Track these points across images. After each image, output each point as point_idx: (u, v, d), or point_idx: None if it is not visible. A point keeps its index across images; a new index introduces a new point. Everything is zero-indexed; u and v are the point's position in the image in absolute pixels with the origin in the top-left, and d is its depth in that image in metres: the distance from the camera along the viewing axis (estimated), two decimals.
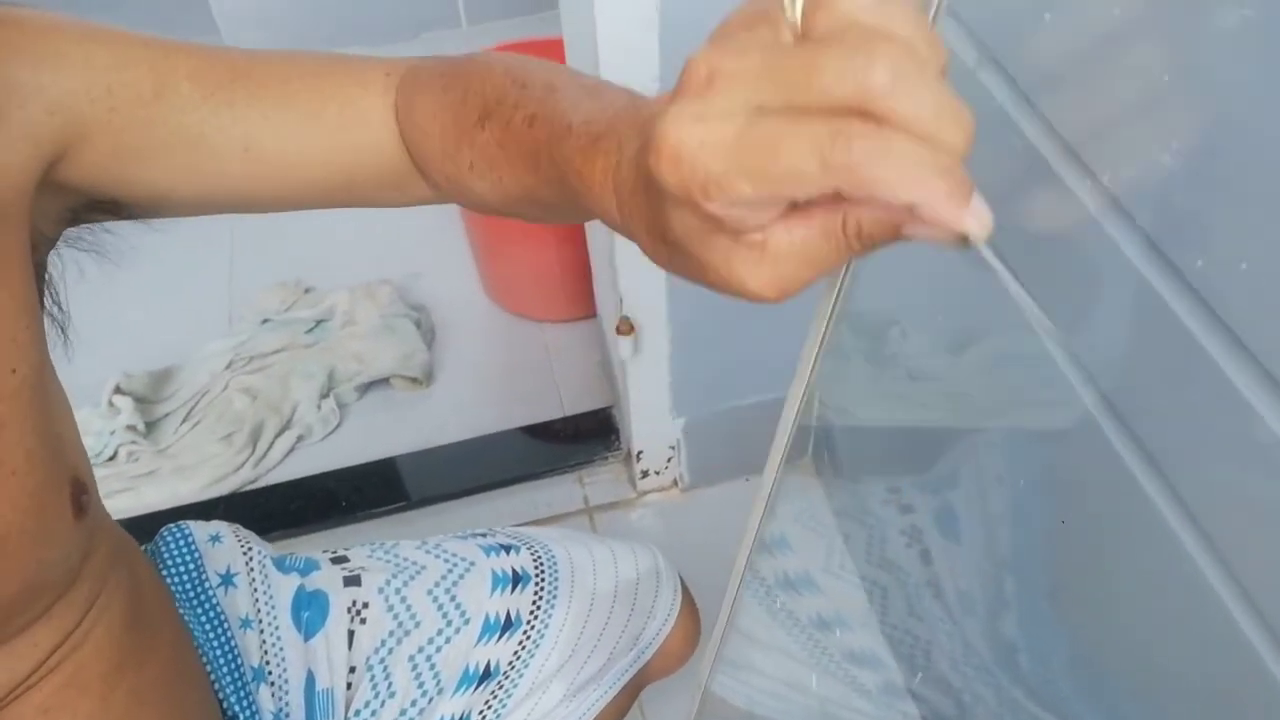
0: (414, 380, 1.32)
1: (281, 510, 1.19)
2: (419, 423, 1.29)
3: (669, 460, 1.18)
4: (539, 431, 1.28)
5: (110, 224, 0.51)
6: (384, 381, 1.33)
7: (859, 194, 0.23)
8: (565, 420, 1.29)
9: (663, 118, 0.25)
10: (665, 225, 0.28)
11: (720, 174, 0.24)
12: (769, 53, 0.24)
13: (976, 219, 0.22)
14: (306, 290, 1.46)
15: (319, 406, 1.27)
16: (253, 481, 1.23)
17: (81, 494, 0.47)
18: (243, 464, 1.22)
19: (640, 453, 1.15)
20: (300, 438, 1.26)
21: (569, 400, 1.31)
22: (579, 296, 1.35)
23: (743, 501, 1.16)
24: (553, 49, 1.35)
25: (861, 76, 0.22)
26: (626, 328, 0.94)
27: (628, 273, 0.91)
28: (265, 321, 1.39)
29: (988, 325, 0.69)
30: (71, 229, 0.50)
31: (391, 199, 0.53)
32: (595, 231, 1.06)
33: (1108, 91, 0.47)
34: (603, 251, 0.97)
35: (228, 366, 1.33)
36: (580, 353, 1.37)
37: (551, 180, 0.39)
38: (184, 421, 1.27)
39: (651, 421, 1.10)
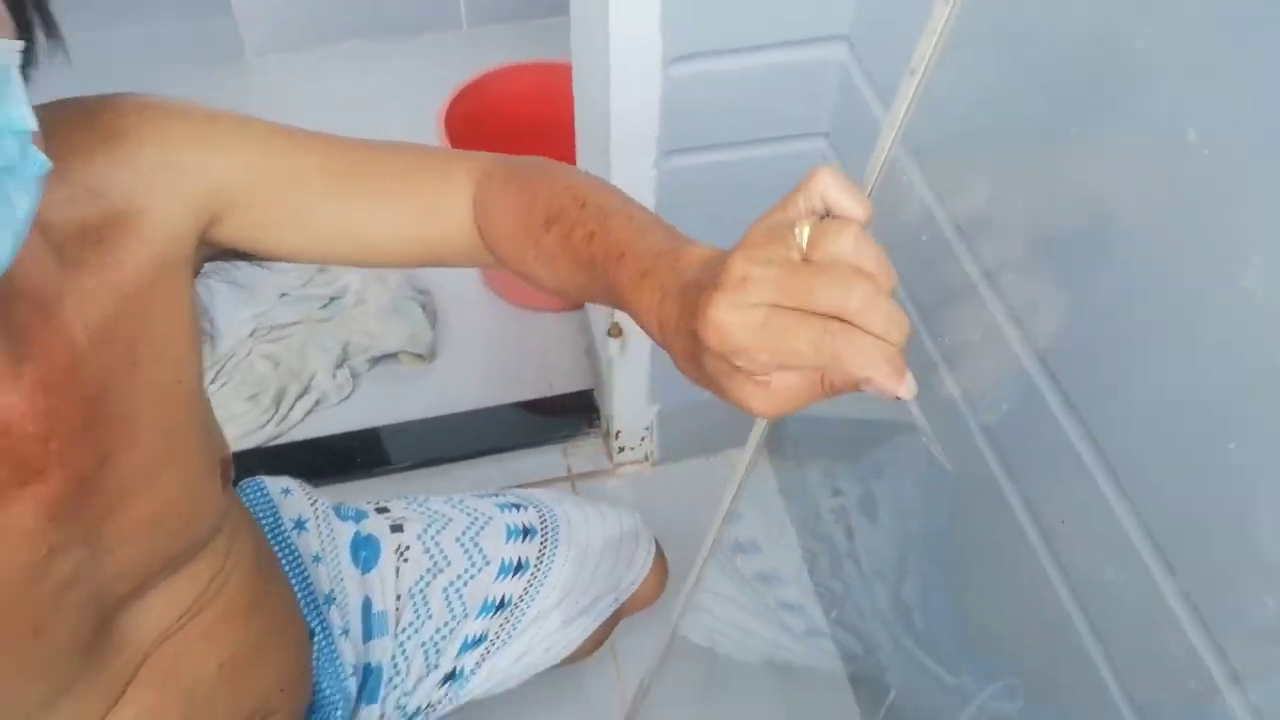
0: (419, 356, 1.48)
1: (302, 464, 1.36)
2: (423, 394, 1.46)
3: (643, 439, 1.36)
4: (529, 407, 1.45)
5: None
6: (392, 356, 1.49)
7: (836, 370, 0.36)
8: (552, 399, 1.46)
9: (712, 303, 0.37)
10: (700, 359, 0.41)
11: (748, 346, 0.37)
12: (784, 268, 0.36)
13: (907, 388, 0.36)
14: (320, 269, 1.61)
15: (334, 375, 1.44)
16: (276, 438, 1.39)
17: (227, 470, 0.63)
18: (267, 422, 1.39)
19: (619, 432, 1.33)
20: (318, 401, 1.43)
21: (556, 381, 1.49)
22: None
23: (704, 476, 1.37)
24: (560, 74, 1.50)
25: (842, 300, 0.35)
26: (616, 331, 1.12)
27: None
28: (283, 295, 1.55)
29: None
30: (211, 264, 0.62)
31: (466, 265, 0.66)
32: None
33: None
34: None
35: (251, 334, 1.48)
36: (568, 339, 1.54)
37: (601, 286, 0.51)
38: (213, 382, 1.43)
39: (631, 407, 1.28)
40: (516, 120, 1.56)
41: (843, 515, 1.01)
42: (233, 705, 0.65)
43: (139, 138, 0.52)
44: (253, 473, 1.24)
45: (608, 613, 0.94)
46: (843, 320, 0.35)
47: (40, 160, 0.38)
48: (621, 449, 1.37)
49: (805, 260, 0.36)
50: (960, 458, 0.78)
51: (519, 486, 1.37)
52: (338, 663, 0.77)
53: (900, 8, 0.80)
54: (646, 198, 0.97)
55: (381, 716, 0.82)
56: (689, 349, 0.41)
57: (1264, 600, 0.47)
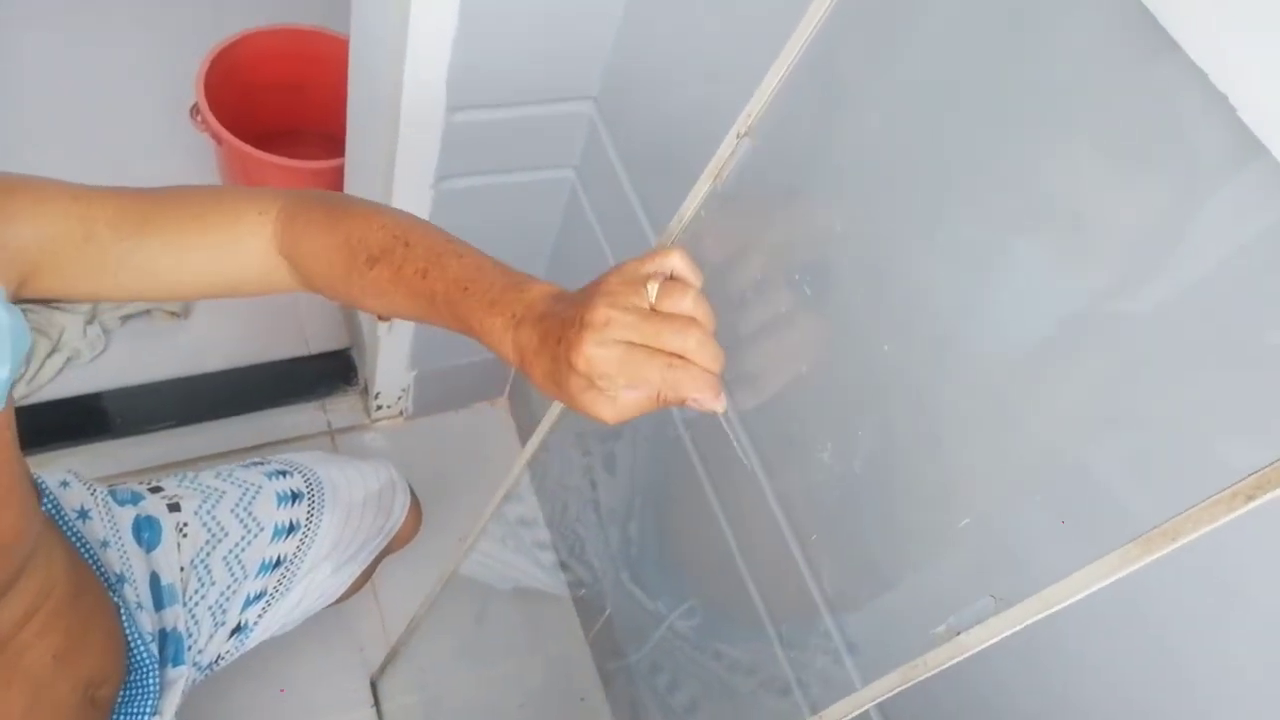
0: (173, 314, 1.52)
1: (56, 425, 1.38)
2: (179, 352, 1.50)
3: (399, 397, 1.52)
4: (287, 365, 1.55)
5: None
6: (145, 313, 1.51)
7: (672, 391, 0.48)
8: (310, 358, 1.56)
9: (583, 340, 0.48)
10: (561, 378, 0.50)
11: (610, 373, 0.48)
12: (638, 315, 0.48)
13: (722, 404, 0.48)
14: None
15: (85, 332, 1.45)
16: (26, 398, 1.39)
17: (36, 490, 0.71)
18: (15, 381, 1.38)
19: (378, 392, 1.48)
20: (69, 360, 1.43)
21: (313, 339, 1.59)
22: None
23: (454, 427, 1.57)
24: (309, 39, 1.57)
25: (682, 343, 0.47)
26: (384, 316, 1.27)
27: None
28: None
29: None
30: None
31: (274, 292, 0.71)
32: None
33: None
34: None
35: None
36: (322, 300, 1.63)
37: (444, 315, 0.60)
38: None
39: (391, 373, 1.44)
40: (272, 78, 1.61)
41: (588, 470, 1.25)
42: (69, 684, 0.75)
43: None
44: None
45: (372, 555, 1.10)
46: (681, 357, 0.48)
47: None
48: (379, 406, 1.52)
49: (653, 310, 0.49)
50: (672, 436, 1.04)
51: (280, 442, 1.49)
52: (138, 631, 0.86)
53: (637, 77, 1.02)
54: (423, 212, 1.12)
55: (187, 677, 0.92)
56: (550, 369, 0.51)
57: (848, 554, 0.76)
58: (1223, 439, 0.49)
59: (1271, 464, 0.36)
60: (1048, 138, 0.55)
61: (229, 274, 0.68)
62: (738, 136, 0.59)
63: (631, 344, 0.48)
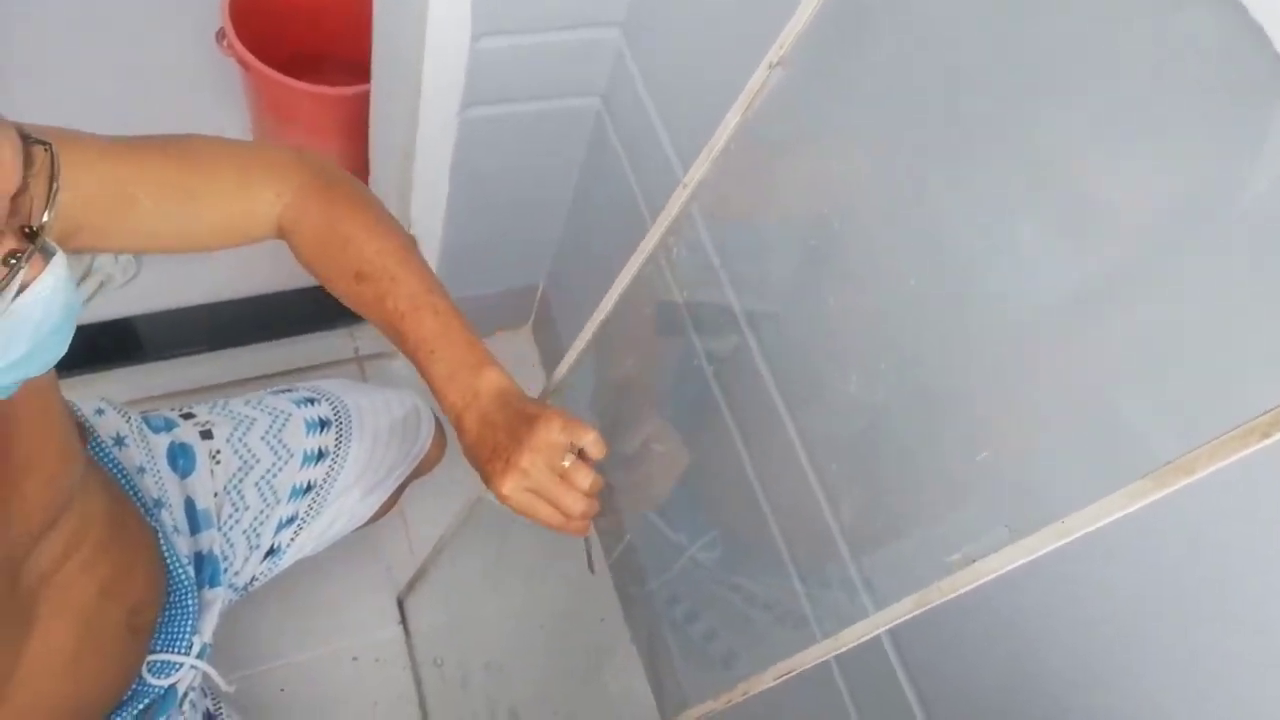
0: None
1: (89, 348, 1.41)
2: (210, 278, 1.52)
3: None
4: (316, 292, 1.54)
5: None
6: None
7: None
8: None
9: (505, 479, 0.68)
10: (479, 469, 0.71)
11: (518, 507, 0.70)
12: (549, 476, 0.69)
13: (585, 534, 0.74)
14: None
15: (117, 258, 1.47)
16: None
17: (82, 431, 0.74)
18: None
19: None
20: (102, 284, 1.46)
21: None
22: None
23: None
24: None
25: (571, 507, 0.70)
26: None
27: (418, 203, 1.24)
28: None
29: None
30: None
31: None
32: (382, 154, 1.35)
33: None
34: (393, 180, 1.27)
35: None
36: None
37: (407, 355, 0.74)
38: None
39: None
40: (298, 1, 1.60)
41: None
42: (114, 614, 0.77)
43: None
44: None
45: (399, 480, 1.12)
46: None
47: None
48: None
49: (562, 476, 0.69)
50: (694, 367, 1.05)
51: (309, 368, 1.52)
52: (176, 554, 0.89)
53: (665, 1, 1.00)
54: (448, 141, 1.12)
55: (224, 598, 0.96)
56: (472, 456, 0.72)
57: (860, 494, 0.78)
58: (1255, 382, 0.49)
59: None
60: (1092, 68, 0.54)
61: (243, 236, 0.77)
62: (769, 66, 0.58)
63: (542, 488, 0.69)
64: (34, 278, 0.48)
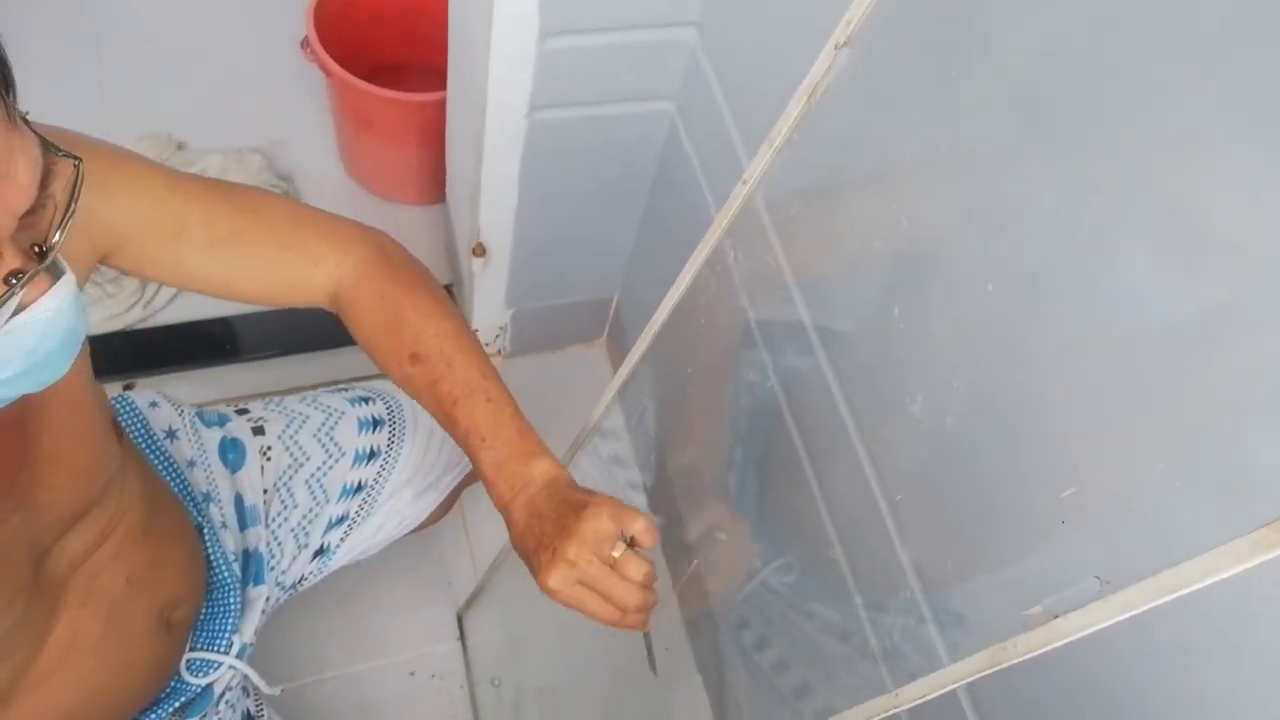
0: None
1: (168, 349, 1.43)
2: None
3: (497, 335, 1.51)
4: None
5: None
6: None
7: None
8: None
9: (552, 572, 0.64)
10: (527, 559, 0.67)
11: (566, 600, 0.65)
12: (599, 569, 0.64)
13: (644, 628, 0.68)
14: (179, 146, 1.62)
15: None
16: (142, 321, 1.45)
17: (118, 428, 0.72)
18: (133, 305, 1.44)
19: (476, 329, 1.48)
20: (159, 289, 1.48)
21: None
22: (431, 186, 1.61)
23: (550, 367, 1.55)
24: None
25: (624, 600, 0.65)
26: (480, 251, 1.25)
27: (487, 208, 1.21)
28: None
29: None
30: None
31: None
32: (457, 158, 1.33)
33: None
34: (465, 185, 1.25)
35: None
36: (429, 232, 1.64)
37: (457, 440, 0.72)
38: None
39: (488, 311, 1.43)
40: (382, 8, 1.60)
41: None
42: (144, 607, 0.76)
43: None
44: (121, 359, 1.31)
45: (452, 485, 1.09)
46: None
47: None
48: None
49: (612, 566, 0.64)
50: (768, 387, 0.99)
51: (376, 376, 1.50)
52: (222, 550, 0.88)
53: (741, 4, 0.95)
54: (516, 144, 1.09)
55: (268, 597, 0.94)
56: (521, 547, 0.68)
57: (933, 528, 0.70)
58: None
59: None
60: (1217, 57, 0.46)
61: (289, 300, 0.76)
62: (835, 47, 0.52)
63: (592, 583, 0.64)
64: (36, 298, 0.47)
